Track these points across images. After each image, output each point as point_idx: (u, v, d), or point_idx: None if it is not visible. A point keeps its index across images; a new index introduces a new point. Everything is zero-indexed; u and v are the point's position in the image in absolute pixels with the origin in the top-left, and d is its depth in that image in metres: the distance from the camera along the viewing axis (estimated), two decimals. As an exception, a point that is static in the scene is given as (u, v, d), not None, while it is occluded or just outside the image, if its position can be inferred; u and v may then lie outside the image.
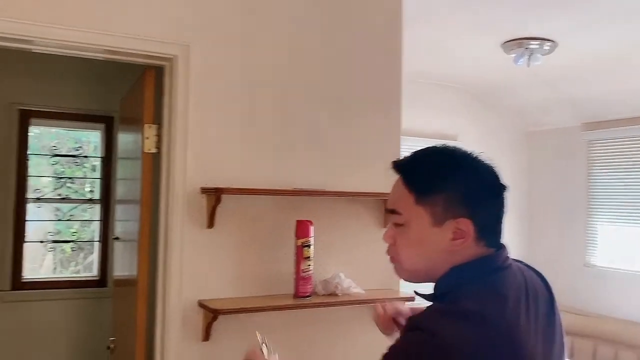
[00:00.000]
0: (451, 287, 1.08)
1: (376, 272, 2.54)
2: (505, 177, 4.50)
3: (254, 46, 2.34)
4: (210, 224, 2.22)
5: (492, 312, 1.00)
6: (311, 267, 2.28)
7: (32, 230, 4.03)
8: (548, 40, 3.90)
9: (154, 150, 2.32)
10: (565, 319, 4.45)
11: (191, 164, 2.22)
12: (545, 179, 5.55)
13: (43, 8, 2.01)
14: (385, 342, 2.51)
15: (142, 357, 2.33)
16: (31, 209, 3.98)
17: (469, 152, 1.13)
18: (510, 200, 4.49)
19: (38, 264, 4.30)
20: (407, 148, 4.54)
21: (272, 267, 2.34)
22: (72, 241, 4.19)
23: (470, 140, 5.32)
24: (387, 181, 2.45)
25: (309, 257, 2.27)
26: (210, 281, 2.23)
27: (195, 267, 2.21)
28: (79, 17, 2.06)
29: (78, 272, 4.28)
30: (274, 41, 2.38)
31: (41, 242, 4.06)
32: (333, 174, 2.48)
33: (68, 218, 4.14)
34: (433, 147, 1.16)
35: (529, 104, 5.40)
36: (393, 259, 1.16)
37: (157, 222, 2.30)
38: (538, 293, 1.15)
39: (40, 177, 4.14)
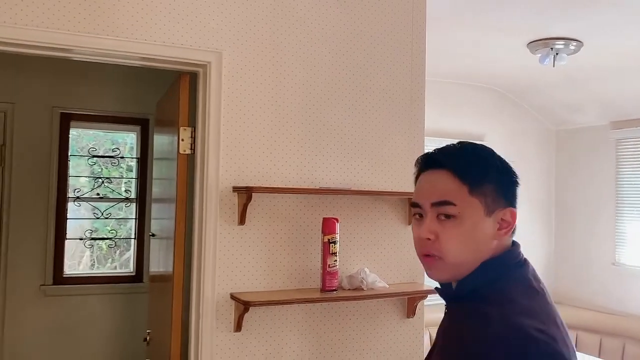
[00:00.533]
0: (482, 283, 1.08)
1: (400, 267, 2.63)
2: (532, 176, 4.62)
3: (283, 51, 2.46)
4: (242, 221, 2.34)
5: (537, 306, 1.05)
6: (337, 263, 2.38)
7: (71, 228, 4.22)
8: (574, 40, 3.93)
9: (188, 152, 2.45)
10: (594, 318, 4.49)
11: (223, 164, 2.34)
12: (573, 177, 5.55)
13: (83, 19, 2.16)
14: (408, 336, 2.61)
15: (178, 347, 2.46)
16: (71, 208, 4.17)
17: (494, 151, 1.19)
18: (538, 199, 4.61)
19: (77, 260, 4.49)
20: (431, 148, 4.62)
21: (300, 262, 2.45)
22: (109, 238, 4.37)
23: (498, 139, 5.36)
24: (410, 180, 2.55)
25: (335, 253, 2.38)
26: (241, 275, 2.36)
27: (227, 261, 2.33)
28: (116, 27, 2.20)
29: (115, 268, 4.46)
30: (302, 46, 2.49)
31: (80, 239, 4.24)
32: (358, 173, 2.58)
33: (105, 216, 4.32)
34: (465, 142, 1.20)
35: (556, 103, 5.41)
36: (433, 256, 1.12)
37: (192, 220, 2.43)
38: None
39: (79, 177, 4.33)
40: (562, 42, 3.94)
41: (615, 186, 5.14)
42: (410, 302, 2.62)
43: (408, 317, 2.64)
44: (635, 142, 5.03)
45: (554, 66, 4.07)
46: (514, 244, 1.15)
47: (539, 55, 4.07)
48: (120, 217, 4.43)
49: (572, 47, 3.99)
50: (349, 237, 2.54)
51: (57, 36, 2.13)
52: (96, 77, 4.05)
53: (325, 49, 2.54)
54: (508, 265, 1.11)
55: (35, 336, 3.90)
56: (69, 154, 4.14)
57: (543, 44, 3.99)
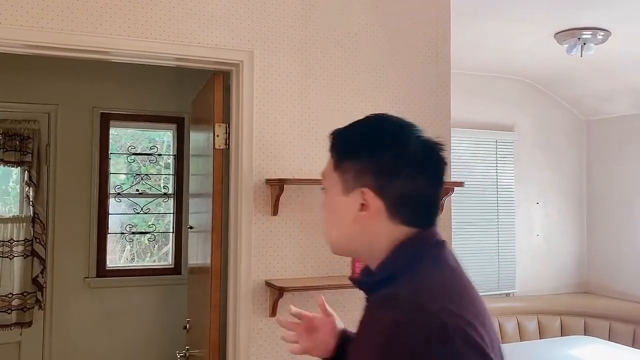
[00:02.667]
0: (397, 269, 1.01)
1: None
2: (564, 167, 4.63)
3: (312, 48, 2.56)
4: (275, 211, 2.46)
5: (452, 287, 0.98)
6: (367, 251, 2.48)
7: (113, 224, 4.41)
8: (601, 29, 3.94)
9: (223, 147, 2.58)
10: (628, 308, 4.50)
11: (256, 157, 2.46)
12: (605, 168, 5.52)
13: (123, 23, 2.30)
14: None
15: (217, 332, 2.59)
16: (112, 204, 4.36)
17: (402, 124, 1.08)
18: (570, 190, 4.64)
19: (118, 254, 4.68)
20: (462, 139, 4.65)
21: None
22: (149, 232, 4.55)
23: (528, 130, 5.38)
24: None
25: (364, 241, 2.48)
26: (275, 263, 2.47)
27: (262, 250, 2.46)
28: (153, 30, 2.34)
29: (154, 261, 4.64)
30: (329, 43, 2.59)
31: (121, 234, 4.43)
32: (386, 165, 2.67)
33: (145, 211, 4.49)
34: (369, 115, 1.13)
35: (586, 93, 5.39)
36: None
37: (227, 212, 2.55)
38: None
39: (119, 174, 4.52)
40: (589, 32, 3.95)
41: (647, 175, 5.11)
42: (439, 288, 2.70)
43: (437, 303, 2.72)
44: (668, 131, 4.99)
45: (581, 56, 4.08)
46: (429, 227, 1.04)
47: (566, 45, 4.09)
48: (158, 212, 4.60)
49: (600, 37, 4.00)
50: (378, 227, 2.63)
51: (98, 40, 2.28)
52: (133, 78, 4.22)
53: (352, 45, 2.64)
54: (422, 248, 1.02)
55: (81, 325, 4.10)
56: (109, 152, 4.32)
57: (570, 35, 4.01)
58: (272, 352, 2.45)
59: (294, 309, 1.43)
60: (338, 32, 2.61)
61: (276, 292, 2.37)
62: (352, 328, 2.49)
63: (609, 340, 4.81)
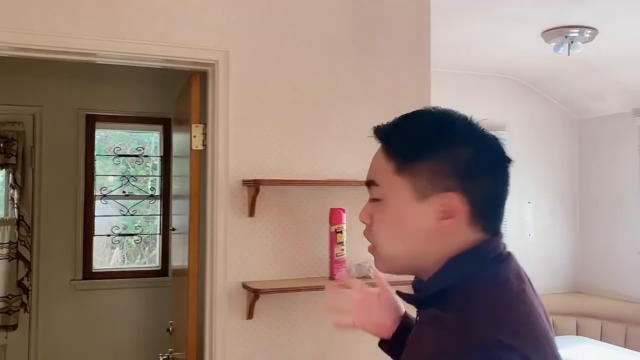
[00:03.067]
0: (449, 284, 0.89)
1: (409, 257, 2.69)
2: (556, 166, 4.60)
3: (288, 49, 2.54)
4: (252, 212, 2.44)
5: (509, 313, 0.85)
6: (344, 252, 2.46)
7: (100, 226, 4.39)
8: (588, 27, 3.92)
9: (200, 148, 2.56)
10: (620, 307, 4.48)
11: (233, 158, 2.43)
12: (597, 167, 5.50)
13: (98, 24, 2.27)
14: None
15: (194, 335, 2.57)
16: (99, 206, 4.34)
17: (468, 117, 0.94)
18: (562, 189, 4.62)
19: (107, 257, 4.67)
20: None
21: (309, 252, 2.54)
22: (136, 235, 4.53)
23: (520, 130, 5.35)
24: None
25: (342, 242, 2.45)
26: (252, 265, 2.45)
27: (238, 252, 2.43)
28: (128, 31, 2.31)
29: (144, 263, 4.62)
30: (307, 42, 2.57)
31: (107, 235, 4.41)
32: (365, 165, 2.64)
33: (131, 213, 4.47)
34: (421, 109, 0.98)
35: (578, 91, 5.37)
36: (370, 245, 1.00)
37: (205, 213, 2.53)
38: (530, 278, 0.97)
39: (107, 176, 4.50)
40: (576, 30, 3.92)
41: (638, 175, 5.08)
42: (419, 289, 2.67)
43: (417, 304, 2.69)
44: (659, 129, 4.97)
45: (569, 54, 4.05)
46: (495, 235, 0.93)
47: (554, 44, 4.06)
48: (146, 213, 4.58)
49: (587, 35, 3.98)
50: (357, 228, 2.60)
51: (79, 41, 2.26)
52: (119, 80, 4.20)
53: (330, 46, 2.61)
54: (480, 263, 0.90)
55: (67, 328, 4.08)
56: (95, 154, 4.30)
57: (557, 33, 3.99)
58: (248, 355, 2.42)
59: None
60: (314, 31, 2.59)
61: (252, 294, 2.34)
62: (326, 331, 2.47)
63: (601, 340, 4.79)
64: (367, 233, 1.00)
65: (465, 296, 0.86)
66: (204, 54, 2.42)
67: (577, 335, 4.90)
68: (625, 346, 4.68)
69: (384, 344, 1.20)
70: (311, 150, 2.56)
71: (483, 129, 0.93)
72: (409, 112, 0.99)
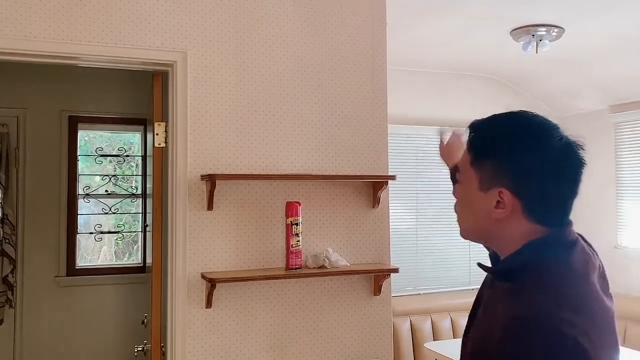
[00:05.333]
0: (522, 264, 1.06)
1: (365, 249, 2.80)
2: None
3: (246, 49, 2.65)
4: (210, 206, 2.55)
5: (574, 294, 1.02)
6: (300, 243, 2.56)
7: (86, 224, 4.52)
8: (555, 26, 4.01)
9: (162, 145, 2.67)
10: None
11: (192, 154, 2.55)
12: (576, 163, 5.57)
13: (65, 29, 2.39)
14: (375, 312, 2.75)
15: (158, 325, 2.68)
16: (83, 204, 4.47)
17: (547, 123, 1.11)
18: None
19: (96, 255, 4.79)
20: (430, 137, 4.69)
21: (267, 243, 2.65)
22: (119, 232, 4.65)
23: (498, 127, 5.43)
24: (373, 166, 2.72)
25: (297, 234, 2.56)
26: (212, 257, 2.56)
27: (198, 244, 2.54)
28: (88, 32, 2.43)
29: (133, 261, 4.74)
30: (264, 43, 2.68)
31: (90, 233, 4.53)
32: (322, 160, 2.75)
33: (113, 211, 4.59)
34: (510, 112, 1.15)
35: (555, 89, 5.45)
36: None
37: (167, 209, 2.64)
38: (600, 269, 1.15)
39: (91, 175, 4.63)
40: (543, 28, 4.02)
41: (615, 170, 5.17)
42: (376, 280, 2.77)
43: (374, 294, 2.79)
44: (633, 125, 5.05)
45: (537, 52, 4.15)
46: (563, 226, 1.10)
47: (522, 42, 4.16)
48: (129, 212, 4.70)
49: (554, 34, 4.07)
50: (314, 221, 2.71)
51: (34, 44, 2.37)
52: (101, 82, 4.32)
53: (287, 45, 2.72)
54: (551, 247, 1.07)
55: (52, 323, 4.21)
56: (79, 154, 4.42)
57: (525, 31, 4.08)
58: (208, 342, 2.53)
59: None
60: (270, 31, 2.70)
61: (209, 283, 2.45)
62: (285, 319, 2.57)
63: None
64: (455, 206, 1.21)
65: (537, 276, 1.03)
66: (163, 54, 2.54)
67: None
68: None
69: None
70: (269, 146, 2.67)
71: (557, 138, 1.08)
72: (494, 114, 1.18)
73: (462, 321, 5.00)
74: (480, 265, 1.19)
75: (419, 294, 5.15)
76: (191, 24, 2.58)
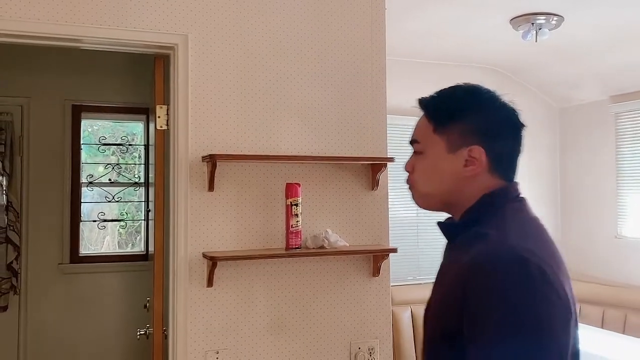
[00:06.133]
0: (482, 212, 1.18)
1: (364, 230, 2.83)
2: (538, 154, 4.78)
3: (247, 31, 2.68)
4: (211, 187, 2.58)
5: (534, 233, 1.15)
6: (299, 223, 2.60)
7: (88, 213, 4.57)
8: (554, 14, 4.03)
9: (164, 127, 2.71)
10: (597, 290, 4.63)
11: (193, 136, 2.58)
12: (577, 154, 5.60)
13: (61, 10, 2.43)
14: (374, 293, 2.79)
15: (160, 306, 2.72)
16: (87, 193, 4.52)
17: (490, 90, 1.25)
18: (544, 177, 4.81)
19: (99, 245, 4.83)
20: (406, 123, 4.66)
21: (267, 224, 2.68)
22: (121, 220, 4.70)
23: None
24: (372, 147, 2.75)
25: (297, 215, 2.59)
26: (212, 237, 2.59)
27: (199, 224, 2.57)
28: (91, 15, 2.46)
29: (135, 249, 4.79)
30: (265, 24, 2.71)
31: (94, 221, 4.58)
32: (322, 143, 2.78)
33: (116, 200, 4.64)
34: (456, 84, 1.27)
35: (555, 80, 5.48)
36: (411, 187, 1.30)
37: (169, 190, 2.68)
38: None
39: (96, 164, 4.68)
40: (543, 17, 4.04)
41: (615, 160, 5.19)
42: (375, 261, 2.80)
43: (373, 276, 2.82)
44: (634, 115, 5.07)
45: (536, 41, 4.17)
46: (513, 182, 1.24)
47: (522, 31, 4.18)
48: (133, 201, 4.75)
49: (554, 22, 4.09)
50: (314, 202, 2.74)
51: (35, 25, 2.39)
52: (105, 70, 4.36)
53: (288, 28, 2.75)
54: (507, 198, 1.20)
55: (55, 309, 4.26)
56: (82, 143, 4.47)
57: (525, 20, 4.11)
58: (209, 320, 2.57)
59: None
60: (272, 14, 2.73)
61: (210, 262, 2.48)
62: (285, 298, 2.61)
63: (579, 322, 4.89)
64: (409, 179, 1.31)
65: (498, 218, 1.15)
66: (165, 37, 2.57)
67: (555, 317, 5.01)
68: (602, 327, 4.79)
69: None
70: (267, 128, 2.70)
71: (504, 103, 1.24)
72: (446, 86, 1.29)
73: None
74: (439, 223, 1.29)
75: (420, 283, 5.17)
76: (192, 7, 2.61)
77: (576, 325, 1.11)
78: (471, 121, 1.19)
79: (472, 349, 1.03)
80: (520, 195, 1.23)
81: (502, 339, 0.99)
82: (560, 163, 5.74)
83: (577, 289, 4.32)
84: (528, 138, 4.57)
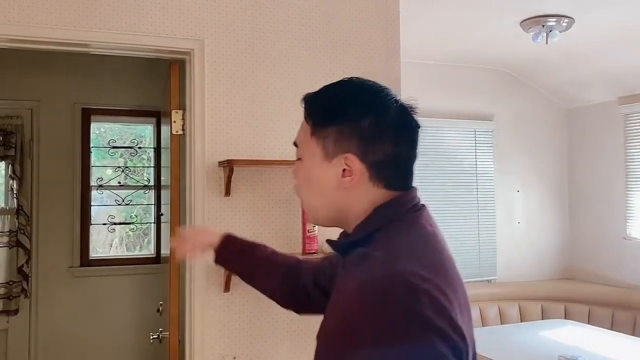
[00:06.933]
0: (373, 228, 1.02)
1: (380, 234, 2.83)
2: (546, 157, 4.77)
3: (262, 34, 2.68)
4: (227, 192, 2.58)
5: (427, 253, 0.98)
6: (315, 228, 2.59)
7: (98, 216, 4.57)
8: (565, 16, 4.03)
9: (180, 132, 2.71)
10: (606, 292, 4.61)
11: (209, 141, 2.58)
12: (585, 156, 5.60)
13: (77, 15, 2.43)
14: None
15: (176, 311, 2.72)
16: (97, 196, 4.52)
17: (380, 87, 1.08)
18: (552, 179, 4.80)
19: (107, 247, 4.83)
20: (440, 129, 4.72)
21: (284, 229, 2.68)
22: (131, 223, 4.69)
23: (508, 120, 5.46)
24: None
25: (313, 220, 2.59)
26: (229, 242, 2.59)
27: (215, 229, 2.57)
28: (107, 21, 2.46)
29: (143, 253, 4.79)
30: (280, 27, 2.71)
31: (103, 224, 4.57)
32: (337, 147, 2.78)
33: (126, 203, 4.64)
34: (342, 80, 1.12)
35: (564, 81, 5.47)
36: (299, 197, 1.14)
37: (185, 195, 2.68)
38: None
39: (105, 167, 4.68)
40: (553, 19, 4.04)
41: (624, 161, 5.19)
42: (390, 265, 2.80)
43: (389, 280, 2.82)
44: (642, 116, 5.06)
45: (547, 43, 4.16)
46: (408, 190, 1.07)
47: (532, 33, 4.18)
48: (142, 203, 4.75)
49: (564, 24, 4.08)
50: (330, 206, 2.74)
51: (52, 31, 2.39)
52: (114, 74, 4.36)
53: (303, 33, 2.75)
54: (399, 211, 1.03)
55: (66, 312, 4.26)
56: (92, 146, 4.47)
57: (535, 22, 4.10)
58: (226, 325, 2.57)
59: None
60: (287, 22, 2.73)
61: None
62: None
63: (589, 323, 4.89)
64: (296, 188, 1.16)
65: (389, 236, 0.99)
66: (180, 42, 2.57)
67: (565, 319, 5.00)
68: (612, 329, 4.78)
69: (219, 259, 1.63)
70: (284, 132, 2.70)
71: (392, 100, 1.06)
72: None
73: (472, 312, 5.02)
74: (329, 241, 1.12)
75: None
76: (208, 11, 2.61)
77: (474, 355, 0.96)
78: (349, 123, 1.02)
79: None
80: (419, 204, 1.06)
81: None
82: (568, 164, 5.73)
83: (586, 291, 4.31)
84: (534, 139, 4.58)
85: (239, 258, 1.61)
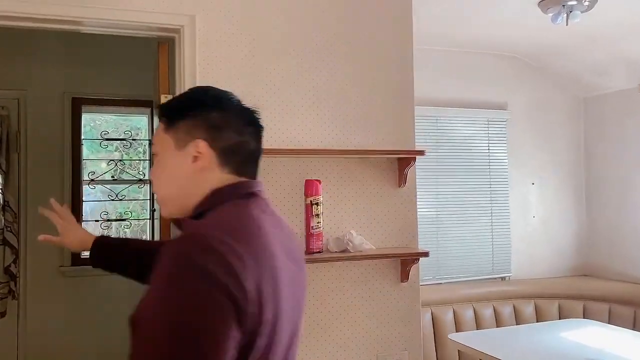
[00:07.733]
0: (207, 207, 1.11)
1: (391, 231, 2.57)
2: (561, 146, 4.44)
3: (259, 11, 2.42)
4: (222, 185, 2.32)
5: (251, 232, 1.04)
6: (321, 224, 2.34)
7: (91, 212, 4.33)
8: (587, -5, 3.75)
9: (170, 119, 2.45)
10: (627, 290, 4.28)
11: (201, 128, 2.32)
12: (603, 146, 5.32)
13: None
14: (403, 300, 2.54)
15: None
16: (89, 192, 4.27)
17: (223, 92, 1.22)
18: (568, 170, 4.46)
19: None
20: (451, 119, 4.47)
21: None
22: (124, 219, 4.45)
23: (522, 108, 5.19)
24: (399, 140, 2.49)
25: (318, 215, 2.34)
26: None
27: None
28: (89, -5, 2.21)
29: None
30: (279, 5, 2.45)
31: (96, 221, 4.33)
32: (344, 135, 2.52)
33: (120, 198, 4.39)
34: (194, 87, 1.31)
35: (581, 67, 5.19)
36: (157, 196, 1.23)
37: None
38: (292, 234, 1.22)
39: (98, 160, 4.43)
40: (574, -2, 3.76)
41: (646, 151, 4.91)
42: (403, 265, 2.55)
43: (402, 281, 2.57)
44: (666, 104, 4.78)
45: (567, 25, 3.89)
46: (251, 178, 1.18)
47: (551, 14, 3.90)
48: (137, 199, 4.50)
49: (586, 4, 3.81)
50: (336, 200, 2.49)
51: (33, 7, 2.16)
52: (105, 62, 4.11)
53: (306, 10, 2.49)
54: (233, 194, 1.13)
55: (56, 314, 4.03)
56: (82, 138, 4.22)
57: (554, 2, 3.82)
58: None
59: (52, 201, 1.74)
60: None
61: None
62: (309, 304, 2.37)
63: (609, 323, 4.63)
64: (153, 188, 1.24)
65: (214, 215, 1.08)
66: (169, 18, 2.32)
67: (584, 318, 4.76)
68: (634, 329, 4.53)
69: (94, 259, 1.73)
70: (283, 118, 2.44)
71: (234, 102, 1.20)
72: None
73: (485, 311, 4.79)
74: (173, 221, 1.27)
75: (440, 283, 4.92)
76: (199, -15, 2.35)
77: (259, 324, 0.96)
78: (198, 116, 1.15)
79: (132, 341, 0.98)
80: (254, 192, 1.15)
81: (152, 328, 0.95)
82: (585, 156, 5.46)
83: (606, 288, 4.04)
84: (550, 129, 4.29)
85: (115, 255, 1.73)
